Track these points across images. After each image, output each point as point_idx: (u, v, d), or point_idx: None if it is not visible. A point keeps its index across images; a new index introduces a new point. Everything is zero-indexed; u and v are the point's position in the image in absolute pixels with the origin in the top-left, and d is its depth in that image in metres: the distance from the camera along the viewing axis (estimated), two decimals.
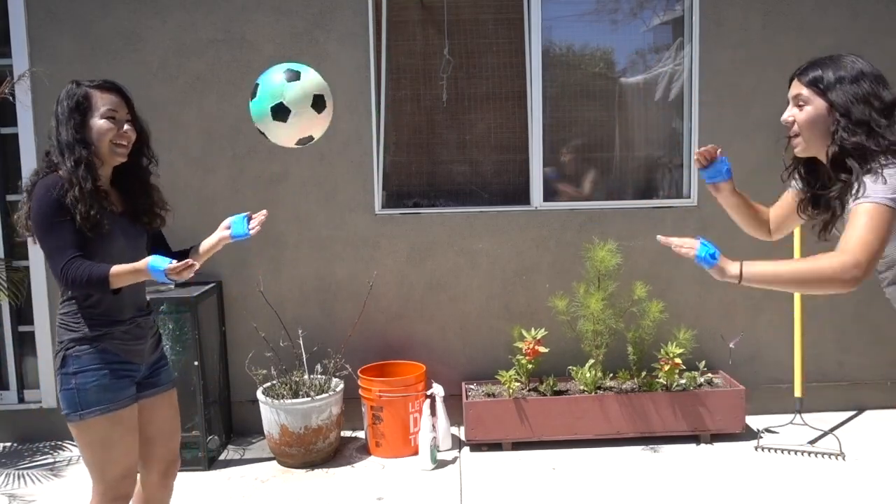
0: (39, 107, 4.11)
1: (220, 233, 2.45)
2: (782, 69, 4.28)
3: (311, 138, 2.37)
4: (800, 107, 2.07)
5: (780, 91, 4.29)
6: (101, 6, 4.11)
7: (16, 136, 4.18)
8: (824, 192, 2.09)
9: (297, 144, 2.38)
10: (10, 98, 3.93)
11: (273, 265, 4.30)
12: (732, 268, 1.99)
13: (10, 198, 4.30)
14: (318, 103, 2.30)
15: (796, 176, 2.22)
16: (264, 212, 2.47)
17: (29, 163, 4.16)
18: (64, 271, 2.16)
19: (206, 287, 4.07)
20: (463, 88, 4.37)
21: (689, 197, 4.38)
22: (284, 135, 2.33)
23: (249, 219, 2.45)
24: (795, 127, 2.08)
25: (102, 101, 2.26)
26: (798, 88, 2.07)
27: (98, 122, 2.25)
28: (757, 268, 1.99)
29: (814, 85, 2.03)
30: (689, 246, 2.03)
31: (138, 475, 2.47)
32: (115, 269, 2.17)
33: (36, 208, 2.18)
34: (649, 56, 4.43)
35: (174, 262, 2.14)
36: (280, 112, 2.26)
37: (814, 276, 1.91)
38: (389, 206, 4.36)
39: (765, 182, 4.32)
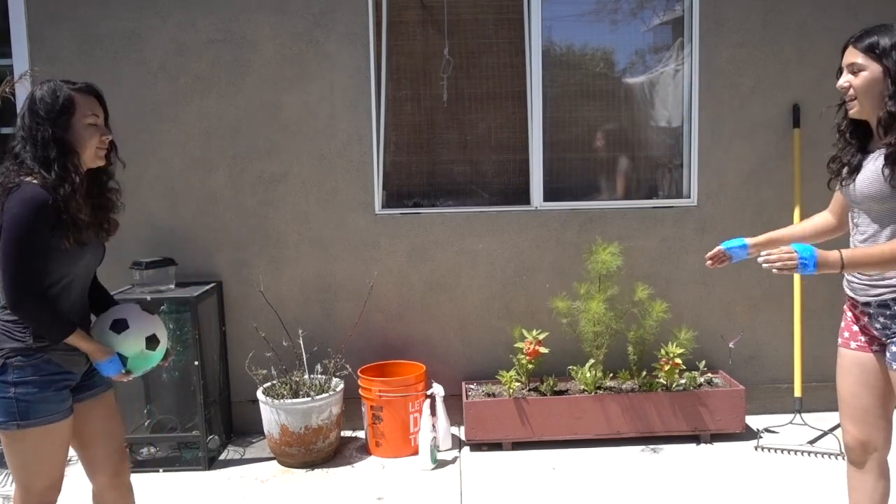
0: None
1: None
2: (782, 69, 4.32)
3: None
4: (855, 73, 2.18)
5: (780, 91, 4.34)
6: (102, 6, 4.11)
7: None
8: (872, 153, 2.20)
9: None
10: (11, 97, 3.92)
11: (273, 265, 4.30)
12: (833, 258, 2.10)
13: None
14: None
15: (845, 135, 2.32)
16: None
17: None
18: (24, 301, 2.13)
19: (207, 287, 4.07)
20: (463, 88, 4.37)
21: (689, 197, 4.38)
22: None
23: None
24: (852, 91, 2.20)
25: (86, 106, 2.23)
26: (854, 56, 2.19)
27: (84, 127, 2.22)
28: (854, 253, 2.12)
29: (870, 51, 2.15)
30: (787, 257, 2.09)
31: (90, 481, 2.48)
32: (79, 334, 2.21)
33: (15, 218, 2.09)
34: (649, 56, 4.43)
35: (128, 377, 2.32)
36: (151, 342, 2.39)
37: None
38: (389, 206, 4.36)
39: (765, 181, 4.36)
